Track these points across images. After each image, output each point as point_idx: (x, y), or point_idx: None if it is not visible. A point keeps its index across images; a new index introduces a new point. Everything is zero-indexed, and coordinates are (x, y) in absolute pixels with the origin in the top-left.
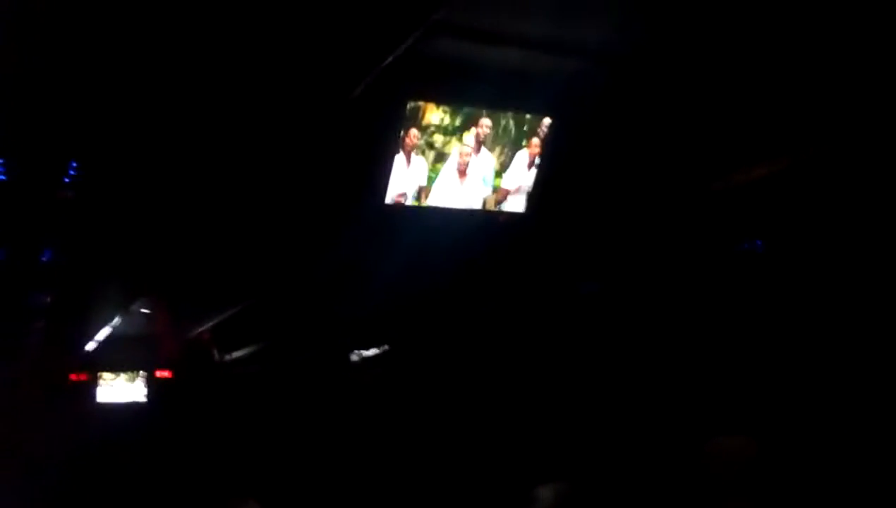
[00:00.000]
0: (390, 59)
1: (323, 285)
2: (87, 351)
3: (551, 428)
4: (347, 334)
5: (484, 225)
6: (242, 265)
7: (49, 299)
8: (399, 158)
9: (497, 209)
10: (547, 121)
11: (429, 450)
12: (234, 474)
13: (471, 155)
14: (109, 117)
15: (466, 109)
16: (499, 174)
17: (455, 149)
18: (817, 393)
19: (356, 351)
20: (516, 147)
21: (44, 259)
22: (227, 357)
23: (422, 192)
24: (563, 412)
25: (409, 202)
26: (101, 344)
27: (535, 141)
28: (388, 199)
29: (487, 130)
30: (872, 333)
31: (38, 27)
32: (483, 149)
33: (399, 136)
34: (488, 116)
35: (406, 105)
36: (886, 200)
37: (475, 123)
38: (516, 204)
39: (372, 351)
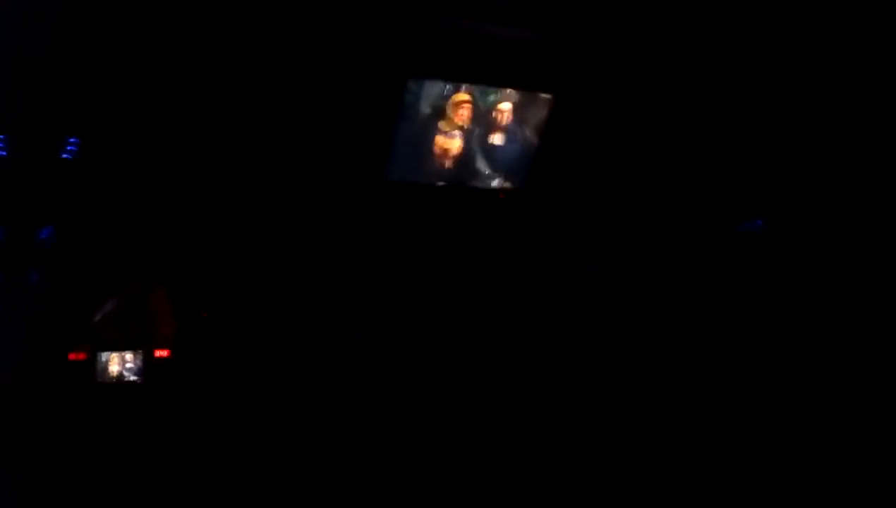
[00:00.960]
0: (391, 34)
1: (324, 263)
2: (86, 330)
3: (553, 417)
4: (348, 315)
5: (485, 202)
6: (242, 242)
7: (47, 277)
8: (401, 135)
9: (498, 186)
10: (548, 97)
11: (429, 441)
12: (234, 457)
13: (472, 131)
14: (109, 93)
15: (468, 85)
16: (500, 151)
17: (456, 125)
18: (816, 385)
19: (358, 333)
20: (519, 123)
21: (42, 236)
22: (227, 335)
23: (424, 169)
24: (566, 398)
25: (411, 179)
26: (100, 322)
27: (537, 117)
28: (390, 176)
29: (489, 106)
30: (872, 326)
31: (38, 8)
32: (484, 125)
33: (400, 113)
34: (490, 92)
35: (407, 81)
36: (886, 196)
37: (476, 99)
38: (517, 181)
39: (373, 331)
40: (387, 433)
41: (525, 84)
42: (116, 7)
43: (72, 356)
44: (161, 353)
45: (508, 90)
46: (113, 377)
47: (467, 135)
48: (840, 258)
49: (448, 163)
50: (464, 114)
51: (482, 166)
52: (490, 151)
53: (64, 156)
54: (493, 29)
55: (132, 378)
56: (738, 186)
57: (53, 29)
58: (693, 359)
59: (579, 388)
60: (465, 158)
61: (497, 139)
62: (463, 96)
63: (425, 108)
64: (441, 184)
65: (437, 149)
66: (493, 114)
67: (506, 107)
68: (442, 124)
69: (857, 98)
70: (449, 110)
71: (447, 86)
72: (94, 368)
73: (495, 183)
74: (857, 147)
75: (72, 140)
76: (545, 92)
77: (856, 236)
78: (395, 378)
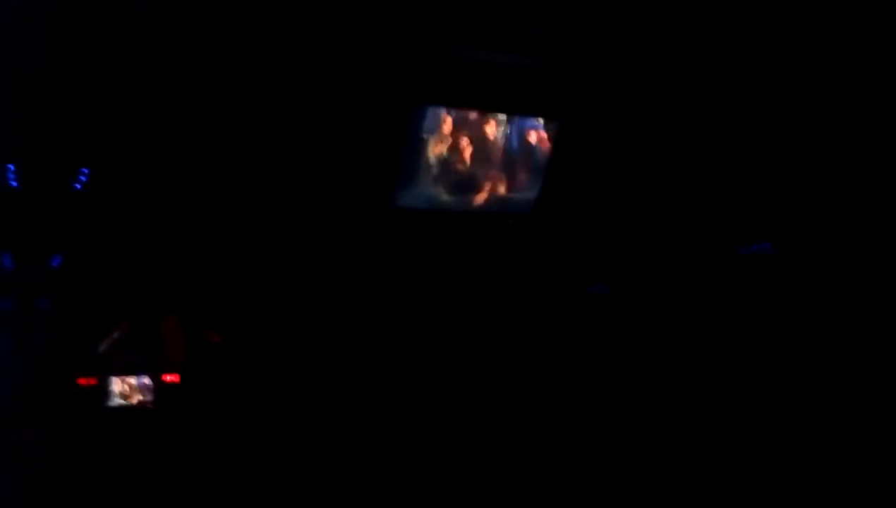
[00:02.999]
0: (401, 62)
1: (332, 286)
2: (95, 355)
3: (553, 431)
4: (355, 336)
5: (492, 227)
6: (250, 267)
7: (58, 304)
8: (408, 161)
9: (505, 212)
10: (555, 124)
11: (429, 456)
12: (243, 479)
13: (480, 157)
14: (119, 125)
15: (476, 112)
16: (507, 177)
17: (464, 151)
18: (819, 396)
19: (364, 354)
20: (525, 150)
21: (53, 264)
22: (235, 359)
23: (430, 195)
24: (566, 414)
25: (418, 204)
26: (110, 348)
27: (544, 144)
28: (397, 202)
29: (497, 133)
30: (874, 337)
31: (51, 38)
32: (492, 151)
33: (408, 139)
34: (498, 119)
35: (416, 108)
36: (887, 202)
37: (485, 126)
38: (524, 206)
39: (377, 354)
40: (399, 458)
41: (532, 111)
42: (129, 44)
43: (81, 381)
44: (170, 378)
45: (517, 117)
46: (122, 401)
47: (476, 160)
48: (848, 281)
49: (456, 189)
50: (471, 142)
51: (491, 191)
52: (499, 177)
53: (75, 186)
54: (499, 57)
55: (141, 402)
56: (747, 209)
57: (65, 63)
58: (700, 382)
59: (587, 410)
60: (473, 184)
61: (506, 165)
62: (470, 122)
63: (433, 135)
64: (449, 209)
65: (444, 175)
66: (502, 140)
67: (515, 133)
68: (449, 151)
69: (867, 122)
70: (455, 137)
71: (454, 113)
72: (103, 393)
73: (504, 208)
74: (867, 170)
75: (82, 171)
76: (553, 118)
77: (864, 258)
78: (407, 402)
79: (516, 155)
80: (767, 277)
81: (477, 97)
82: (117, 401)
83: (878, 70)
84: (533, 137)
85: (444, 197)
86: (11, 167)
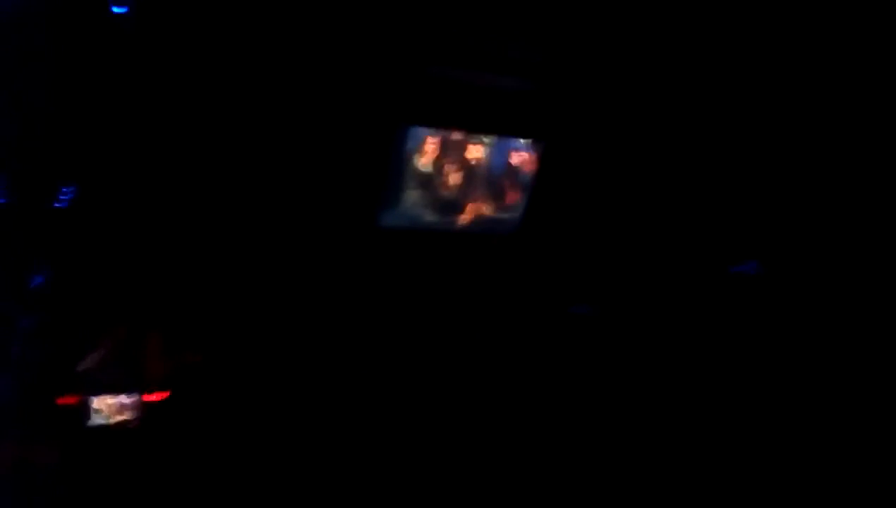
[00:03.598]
0: (386, 83)
1: (318, 305)
2: (76, 375)
3: (537, 451)
4: (342, 356)
5: (476, 246)
6: (234, 285)
7: (38, 322)
8: (393, 181)
9: (490, 232)
10: (540, 144)
11: (419, 475)
12: (230, 496)
13: (465, 178)
14: (104, 143)
15: (459, 133)
16: (492, 197)
17: (449, 172)
18: (806, 411)
19: (350, 372)
20: (509, 171)
21: (36, 281)
22: (219, 377)
23: (415, 215)
24: (554, 431)
25: (403, 224)
26: (91, 367)
27: (529, 165)
28: (381, 221)
29: (482, 154)
30: (861, 354)
31: (38, 54)
32: (477, 172)
33: (393, 160)
34: (483, 140)
35: (401, 129)
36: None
37: (470, 147)
38: (508, 226)
39: (365, 372)
40: (385, 475)
41: (517, 132)
42: (115, 61)
43: (63, 400)
44: (153, 397)
45: (502, 138)
46: (105, 420)
47: (461, 181)
48: (835, 299)
49: (441, 209)
50: (455, 162)
51: (475, 212)
52: (484, 197)
53: (58, 205)
54: (484, 78)
55: (124, 421)
56: (733, 228)
57: (52, 79)
58: (684, 400)
59: (570, 426)
60: (458, 204)
61: (490, 185)
62: (455, 143)
63: (417, 156)
64: (434, 229)
65: (429, 196)
66: (487, 161)
67: (499, 154)
68: (434, 171)
69: (853, 141)
70: (440, 158)
71: (439, 134)
72: (85, 412)
73: (488, 228)
74: (855, 190)
75: (66, 189)
76: (538, 139)
77: (852, 276)
78: (389, 421)
79: (500, 176)
80: (754, 295)
81: (462, 118)
82: (99, 420)
83: (863, 89)
84: (517, 158)
85: (429, 217)
86: None
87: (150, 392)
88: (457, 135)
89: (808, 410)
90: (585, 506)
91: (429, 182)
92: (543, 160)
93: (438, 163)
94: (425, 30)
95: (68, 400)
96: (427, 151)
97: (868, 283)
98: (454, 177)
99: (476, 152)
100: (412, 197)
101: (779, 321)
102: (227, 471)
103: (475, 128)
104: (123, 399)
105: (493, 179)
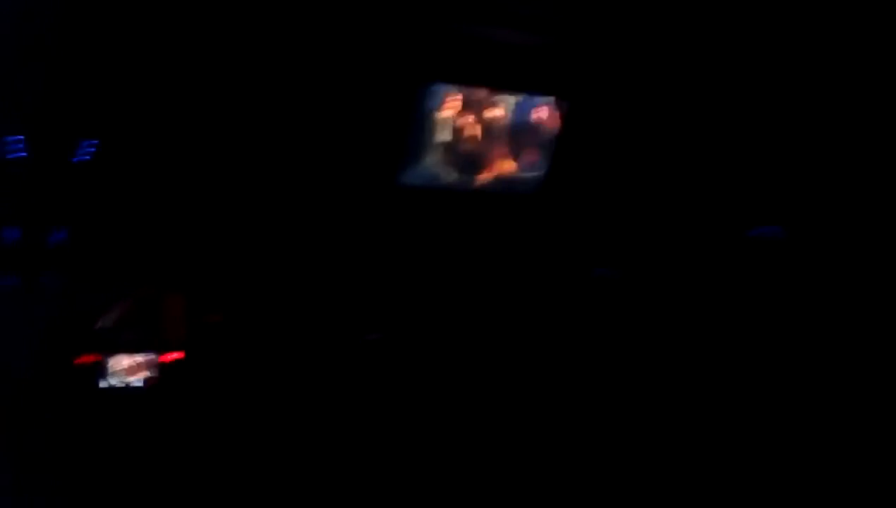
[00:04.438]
0: (410, 39)
1: (335, 265)
2: (95, 333)
3: (555, 416)
4: (359, 316)
5: (497, 207)
6: (254, 245)
7: (59, 280)
8: (415, 139)
9: (510, 191)
10: (563, 103)
11: (434, 441)
12: (243, 462)
13: (486, 136)
14: (124, 99)
15: (483, 91)
16: (514, 156)
17: (471, 129)
18: (820, 388)
19: (366, 335)
20: (531, 129)
21: (57, 238)
22: (239, 340)
23: (435, 173)
24: (568, 399)
25: (422, 182)
26: (110, 325)
27: (552, 124)
28: (401, 180)
29: (505, 112)
30: (876, 331)
31: (58, 12)
32: (499, 130)
33: (414, 118)
34: (506, 98)
35: (424, 85)
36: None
37: (493, 105)
38: (530, 186)
39: (381, 334)
40: (395, 434)
41: (542, 89)
42: (130, 21)
43: (83, 358)
44: (171, 356)
45: (525, 96)
46: (124, 379)
47: (483, 139)
48: (855, 265)
49: (461, 168)
50: (478, 120)
51: (496, 171)
52: (505, 156)
53: (80, 158)
54: (509, 35)
55: (143, 380)
56: (756, 192)
57: (73, 34)
58: (704, 364)
59: (589, 392)
60: (479, 163)
61: (512, 144)
62: (478, 100)
63: (440, 113)
64: (453, 188)
65: (450, 154)
66: (510, 119)
67: (523, 112)
68: (456, 129)
69: (869, 108)
70: (462, 116)
71: (462, 92)
72: (105, 370)
73: (509, 188)
74: (873, 158)
75: (89, 143)
76: (562, 97)
77: (870, 243)
78: (404, 380)
79: (523, 135)
80: (775, 260)
81: (486, 75)
82: (119, 379)
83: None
84: (541, 117)
85: (450, 175)
86: (19, 138)
87: (168, 352)
88: (479, 93)
89: (827, 374)
90: (601, 473)
91: (450, 140)
92: (567, 119)
93: (461, 121)
94: None
95: (86, 359)
96: (450, 109)
97: (887, 249)
98: (476, 136)
99: (498, 110)
100: (433, 155)
101: (801, 285)
102: (242, 433)
103: (500, 85)
104: (140, 358)
105: (514, 138)
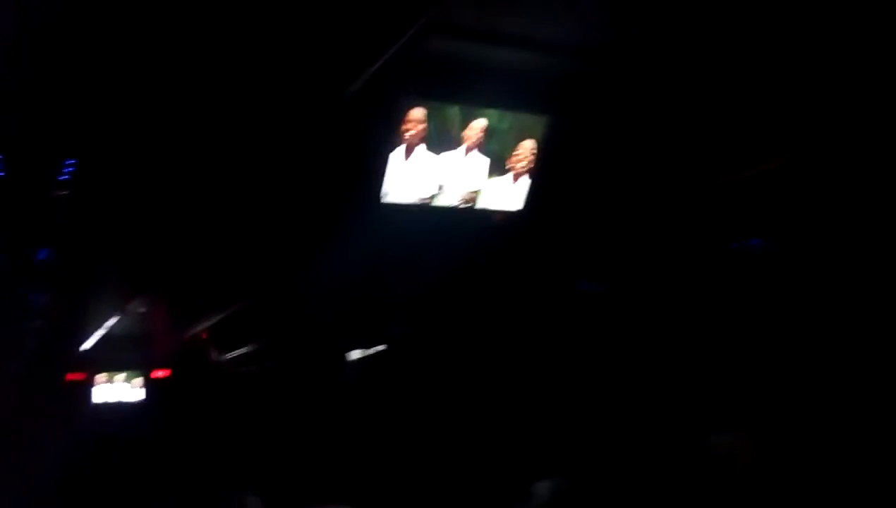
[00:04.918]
0: (386, 57)
1: (320, 283)
2: (84, 352)
3: (549, 426)
4: (344, 332)
5: (480, 223)
6: (239, 264)
7: (45, 299)
8: (395, 157)
9: (494, 208)
10: (544, 119)
11: (425, 449)
12: (233, 473)
13: (468, 153)
14: (106, 115)
15: (463, 108)
16: (495, 172)
17: (452, 147)
18: (816, 392)
19: (353, 350)
20: (513, 145)
21: (41, 257)
22: (225, 356)
23: (418, 191)
24: (562, 409)
25: (406, 200)
26: (98, 344)
27: (533, 139)
28: (384, 198)
29: (484, 129)
30: (872, 333)
31: (38, 28)
32: (480, 147)
33: (395, 135)
34: (485, 115)
35: (402, 104)
36: (886, 200)
37: (472, 122)
38: (513, 202)
39: (369, 350)
40: (384, 446)
41: (521, 106)
42: (113, 36)
43: (69, 377)
44: (159, 374)
45: (506, 111)
46: (111, 397)
47: (465, 158)
48: (839, 279)
49: (444, 185)
50: (457, 137)
51: (479, 188)
52: (485, 173)
53: (62, 178)
54: (485, 53)
55: (130, 399)
56: (738, 205)
57: (52, 53)
58: (689, 376)
59: (574, 406)
60: (461, 180)
61: (492, 160)
62: (456, 117)
63: (418, 131)
64: (438, 206)
65: (431, 171)
66: (489, 136)
67: (502, 128)
68: (439, 147)
69: (858, 120)
70: (441, 133)
71: (440, 108)
72: (91, 388)
73: (492, 205)
74: (859, 170)
75: (69, 162)
76: (541, 114)
77: (855, 255)
78: (387, 396)
79: (504, 151)
80: (758, 272)
81: (463, 92)
82: (106, 397)
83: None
84: (521, 133)
85: (433, 193)
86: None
87: (157, 369)
88: (458, 110)
89: (814, 384)
90: (592, 479)
91: (430, 158)
92: (548, 134)
93: (440, 138)
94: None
95: (76, 376)
96: (428, 126)
97: (873, 262)
98: (457, 152)
99: (478, 127)
100: (415, 173)
101: (783, 297)
102: (232, 446)
103: (477, 103)
104: (130, 376)
105: (496, 155)
